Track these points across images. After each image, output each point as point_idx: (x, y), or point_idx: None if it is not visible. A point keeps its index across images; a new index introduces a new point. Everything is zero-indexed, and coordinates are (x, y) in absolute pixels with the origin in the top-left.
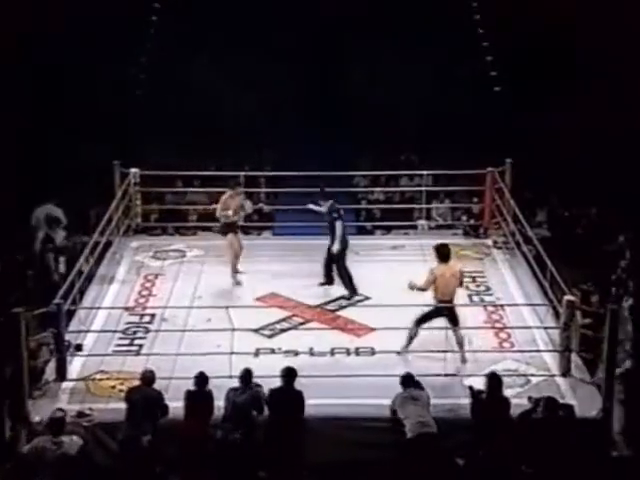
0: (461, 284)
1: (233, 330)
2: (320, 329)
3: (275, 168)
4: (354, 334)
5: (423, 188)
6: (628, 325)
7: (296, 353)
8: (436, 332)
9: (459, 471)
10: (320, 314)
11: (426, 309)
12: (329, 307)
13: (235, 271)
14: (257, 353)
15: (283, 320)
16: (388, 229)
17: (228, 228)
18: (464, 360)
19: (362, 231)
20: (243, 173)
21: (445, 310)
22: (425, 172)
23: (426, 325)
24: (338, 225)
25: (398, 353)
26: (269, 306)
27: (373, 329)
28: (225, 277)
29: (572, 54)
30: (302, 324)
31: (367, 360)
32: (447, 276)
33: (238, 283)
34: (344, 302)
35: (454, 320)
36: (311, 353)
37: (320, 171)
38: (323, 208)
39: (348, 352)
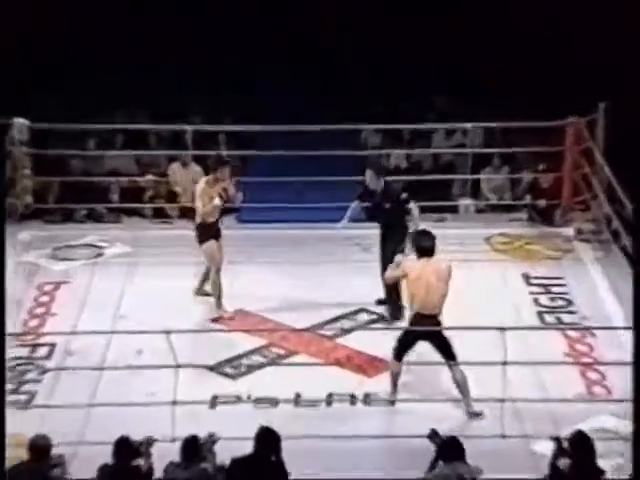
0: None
1: (177, 367)
2: (312, 365)
3: (238, 121)
4: (363, 372)
5: (468, 150)
6: None
7: (275, 402)
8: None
9: None
10: (312, 342)
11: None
12: (325, 332)
13: (218, 297)
14: (214, 403)
15: (255, 351)
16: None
17: (208, 231)
18: (470, 414)
19: (372, 216)
20: (191, 127)
21: (423, 331)
22: (471, 124)
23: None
24: (414, 209)
25: (392, 403)
26: (233, 330)
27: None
28: (165, 284)
29: None
30: (284, 357)
31: (383, 412)
32: (426, 277)
33: (225, 317)
34: (350, 323)
35: (443, 349)
36: (297, 402)
37: (306, 124)
38: (373, 184)
39: (353, 400)
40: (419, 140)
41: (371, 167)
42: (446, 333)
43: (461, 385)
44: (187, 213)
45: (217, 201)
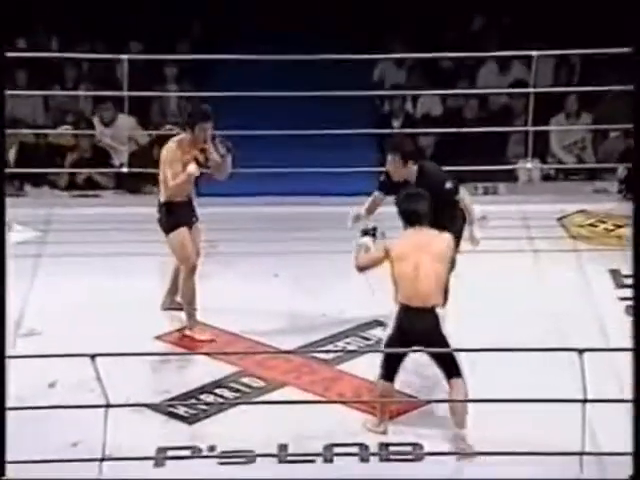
0: (452, 268)
1: (107, 407)
2: (304, 403)
3: (196, 47)
4: (376, 412)
5: (531, 89)
6: None
7: (250, 457)
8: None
9: None
10: (304, 370)
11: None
12: (324, 354)
13: (191, 309)
14: (161, 458)
15: (222, 383)
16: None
17: (177, 215)
18: (461, 452)
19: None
20: (127, 56)
21: (415, 332)
22: (536, 52)
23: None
24: (466, 200)
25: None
26: (189, 352)
27: (416, 402)
28: (91, 285)
29: None
30: (264, 391)
31: (407, 470)
32: (415, 254)
33: (199, 338)
34: (358, 342)
35: (443, 358)
36: (283, 457)
37: (295, 51)
38: (400, 174)
39: (364, 453)
40: (460, 76)
41: (395, 149)
42: (448, 334)
43: (458, 414)
44: (125, 183)
45: (192, 168)
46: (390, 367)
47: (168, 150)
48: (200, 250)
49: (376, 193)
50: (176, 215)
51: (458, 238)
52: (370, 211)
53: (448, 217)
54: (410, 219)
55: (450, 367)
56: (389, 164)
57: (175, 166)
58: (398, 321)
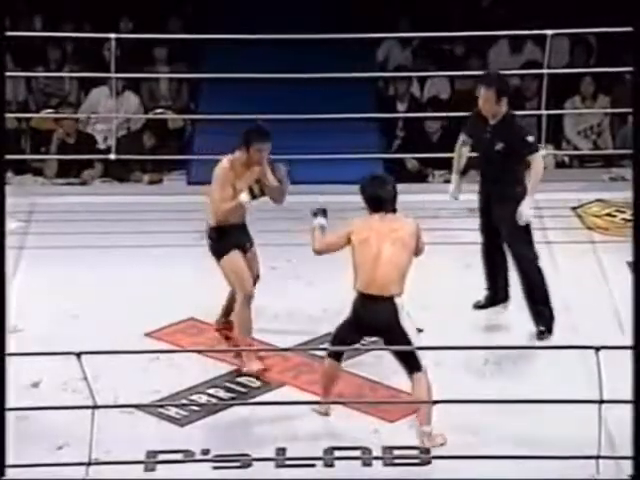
0: (417, 253)
1: (94, 407)
2: (302, 403)
3: (188, 26)
4: (379, 414)
5: (545, 70)
6: None
7: (246, 462)
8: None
9: None
10: (303, 368)
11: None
12: (320, 352)
13: (246, 342)
14: (152, 462)
15: (216, 382)
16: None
17: (229, 237)
18: (423, 449)
19: (402, 175)
20: (116, 35)
21: (370, 321)
22: (551, 30)
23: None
24: (538, 160)
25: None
26: (180, 350)
27: (425, 402)
28: (78, 279)
29: None
30: (260, 391)
31: (412, 475)
32: (377, 239)
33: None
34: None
35: (400, 353)
36: (280, 462)
37: (295, 30)
38: (491, 109)
39: (367, 457)
40: (469, 57)
41: (490, 83)
42: (406, 325)
43: (422, 410)
44: (112, 170)
45: (244, 197)
46: (339, 345)
47: (220, 170)
48: (258, 276)
49: (462, 137)
50: (227, 239)
51: (517, 202)
52: (460, 162)
53: (513, 178)
54: (374, 205)
55: (410, 361)
56: (482, 98)
57: (226, 189)
58: (354, 308)
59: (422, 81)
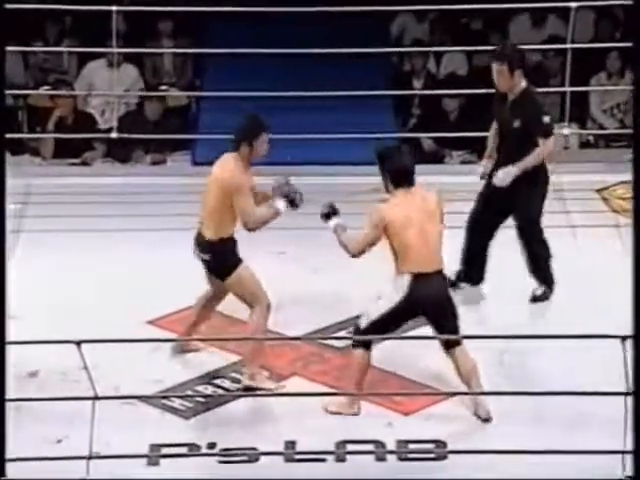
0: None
1: (95, 399)
2: (313, 395)
3: None
4: (395, 406)
5: (568, 45)
6: None
7: (254, 456)
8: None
9: None
10: (312, 358)
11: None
12: (335, 341)
13: (257, 357)
14: (155, 456)
15: (222, 373)
16: (475, 147)
17: (234, 251)
18: (482, 414)
19: (418, 156)
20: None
21: (428, 299)
22: (575, 2)
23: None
24: (547, 142)
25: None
26: (183, 339)
27: (439, 395)
28: (76, 264)
29: None
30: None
31: (427, 470)
32: (418, 219)
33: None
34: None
35: (445, 322)
36: (289, 456)
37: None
38: (505, 83)
39: (380, 451)
40: (488, 31)
41: (502, 58)
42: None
43: (468, 375)
44: (114, 150)
45: (281, 204)
46: (378, 334)
47: (237, 175)
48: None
49: (495, 123)
50: (233, 252)
51: (536, 187)
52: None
53: (530, 148)
54: (401, 177)
55: (455, 334)
56: (495, 73)
57: (251, 196)
58: (409, 291)
59: (439, 57)
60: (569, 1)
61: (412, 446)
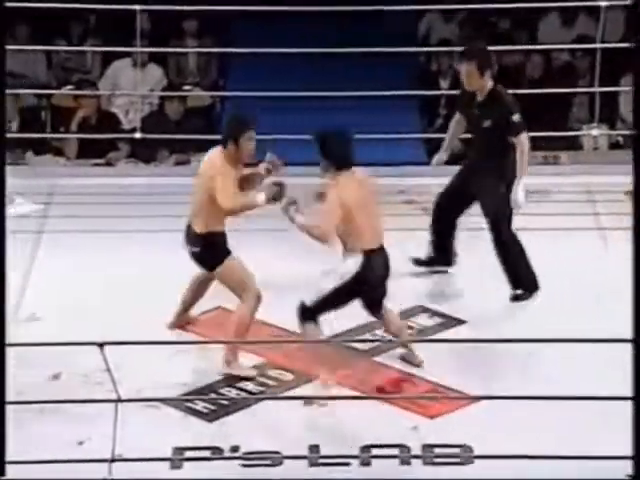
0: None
1: (118, 401)
2: (336, 398)
3: None
4: (419, 409)
5: (598, 45)
6: None
7: (277, 459)
8: None
9: None
10: (336, 360)
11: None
12: (359, 344)
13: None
14: (178, 459)
15: (250, 375)
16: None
17: (221, 245)
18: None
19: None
20: (141, 7)
21: (380, 273)
22: (605, 1)
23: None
24: (523, 142)
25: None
26: (209, 341)
27: (467, 398)
28: (99, 265)
29: None
30: (291, 385)
31: (453, 475)
32: (369, 202)
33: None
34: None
35: (382, 293)
36: (313, 460)
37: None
38: (474, 83)
39: (404, 455)
40: (516, 30)
41: (471, 58)
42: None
43: (401, 330)
44: (137, 150)
45: (262, 198)
46: (321, 310)
47: (220, 163)
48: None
49: (457, 116)
50: (220, 246)
51: (499, 176)
52: (453, 140)
53: (498, 155)
54: (345, 161)
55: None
56: (464, 72)
57: (232, 183)
58: (362, 268)
59: None
60: (599, 0)
61: (438, 450)
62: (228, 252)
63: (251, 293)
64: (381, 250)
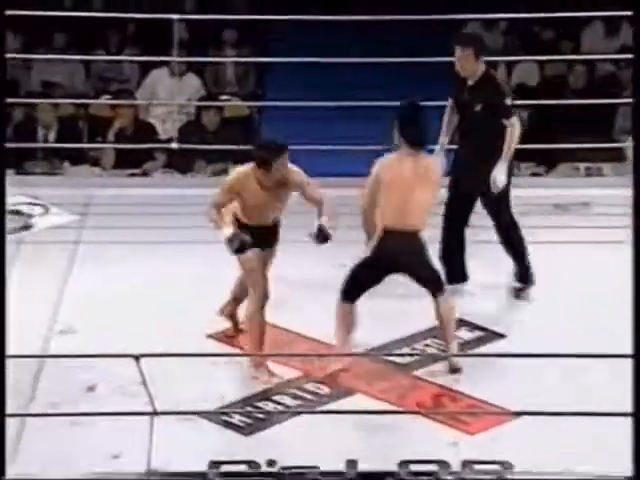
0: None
1: (154, 414)
2: (375, 413)
3: (255, 7)
4: (460, 425)
5: None
6: None
7: (315, 474)
8: None
9: None
10: (376, 375)
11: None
12: (398, 358)
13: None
14: (214, 473)
15: (282, 389)
16: (544, 159)
17: (244, 237)
18: (454, 369)
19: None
20: (179, 17)
21: (387, 256)
22: None
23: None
24: (515, 126)
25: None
26: (245, 354)
27: (508, 413)
28: (134, 276)
29: None
30: (329, 399)
31: None
32: (403, 176)
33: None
34: (440, 344)
35: (419, 272)
36: (350, 475)
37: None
38: (468, 68)
39: (443, 472)
40: (561, 41)
41: (467, 43)
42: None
43: (445, 323)
44: (174, 160)
45: (227, 232)
46: (352, 288)
47: (243, 173)
48: (268, 279)
49: (450, 102)
50: (243, 238)
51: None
52: (450, 127)
53: (487, 138)
54: (415, 140)
55: (434, 283)
56: (459, 58)
57: (228, 195)
58: (378, 245)
59: (510, 66)
60: None
61: (477, 467)
62: (246, 245)
63: (258, 290)
64: (405, 234)
